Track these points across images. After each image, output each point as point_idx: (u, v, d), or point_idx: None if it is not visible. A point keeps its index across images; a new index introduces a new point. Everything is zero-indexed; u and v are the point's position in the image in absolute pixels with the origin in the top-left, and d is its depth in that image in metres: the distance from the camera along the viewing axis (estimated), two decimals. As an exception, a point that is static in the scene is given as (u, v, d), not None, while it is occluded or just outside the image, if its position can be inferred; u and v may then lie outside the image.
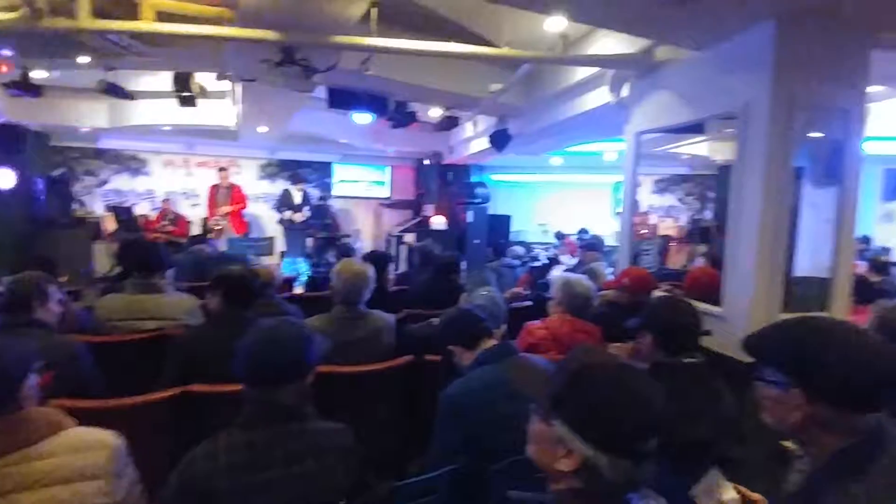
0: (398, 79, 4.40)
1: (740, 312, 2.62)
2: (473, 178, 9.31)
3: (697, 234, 7.90)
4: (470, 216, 9.10)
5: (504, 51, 3.30)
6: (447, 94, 4.77)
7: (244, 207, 8.28)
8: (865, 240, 7.37)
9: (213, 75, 5.19)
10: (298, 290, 5.15)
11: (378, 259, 3.58)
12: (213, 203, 8.08)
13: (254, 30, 3.19)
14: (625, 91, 3.65)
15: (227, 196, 8.13)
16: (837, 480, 1.01)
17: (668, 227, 9.03)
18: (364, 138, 7.95)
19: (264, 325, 1.49)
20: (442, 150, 8.67)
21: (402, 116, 5.46)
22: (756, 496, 1.34)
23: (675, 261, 7.83)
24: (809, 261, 2.82)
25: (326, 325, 2.45)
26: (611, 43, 3.48)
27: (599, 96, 4.00)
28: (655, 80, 3.33)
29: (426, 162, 9.21)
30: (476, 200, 9.12)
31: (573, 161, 9.05)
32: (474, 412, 1.68)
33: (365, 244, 9.93)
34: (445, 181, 8.98)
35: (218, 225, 7.63)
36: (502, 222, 9.51)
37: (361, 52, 3.45)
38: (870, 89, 4.12)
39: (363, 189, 10.24)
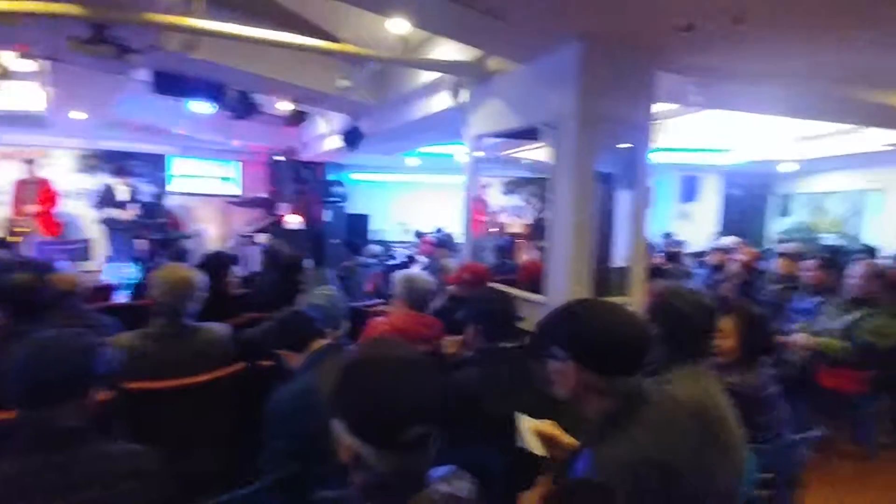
0: (234, 66, 4.09)
1: (559, 299, 2.93)
2: (331, 177, 9.08)
3: (538, 231, 8.68)
4: (328, 215, 8.88)
5: (341, 46, 3.26)
6: (291, 87, 4.58)
7: (54, 206, 7.04)
8: (668, 235, 8.81)
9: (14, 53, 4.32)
10: (124, 298, 4.55)
11: (215, 262, 3.31)
12: (18, 201, 6.76)
13: (56, 3, 2.74)
14: (464, 97, 3.86)
15: (35, 193, 6.85)
16: (610, 434, 1.21)
17: (515, 226, 9.78)
18: (205, 130, 7.26)
19: (37, 338, 1.30)
20: (296, 146, 8.29)
21: (243, 107, 5.11)
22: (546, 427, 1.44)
23: (522, 256, 8.56)
24: (619, 253, 3.28)
25: (142, 342, 2.16)
26: (451, 49, 3.65)
27: (442, 100, 4.18)
28: (490, 87, 3.58)
29: (278, 158, 8.73)
30: (334, 199, 8.92)
31: (429, 162, 9.33)
32: (299, 417, 1.64)
33: (212, 245, 9.12)
34: (301, 179, 8.61)
35: (23, 227, 6.41)
36: (361, 221, 9.45)
37: (185, 34, 3.14)
38: (665, 106, 4.94)
39: (208, 185, 9.36)
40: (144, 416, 1.93)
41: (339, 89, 4.26)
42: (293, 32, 3.25)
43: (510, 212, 10.30)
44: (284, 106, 5.98)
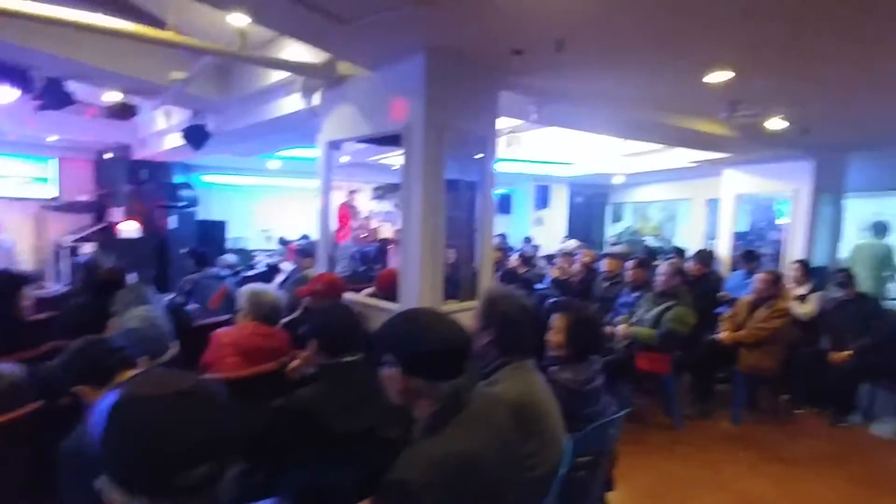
0: (41, 49, 3.47)
1: (413, 306, 2.98)
2: (177, 179, 8.16)
3: (406, 236, 8.74)
4: (173, 222, 7.98)
5: (170, 35, 2.93)
6: (114, 76, 4.01)
7: None
8: (528, 239, 9.50)
9: None
10: None
11: (2, 283, 2.74)
12: None
13: None
14: (316, 100, 3.73)
15: None
16: (430, 435, 1.26)
17: (387, 231, 9.77)
18: (8, 120, 6.07)
19: None
20: (131, 143, 7.32)
21: (54, 97, 4.36)
22: None
23: (394, 261, 8.57)
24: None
25: None
26: (300, 50, 3.50)
27: (294, 102, 4.00)
28: (342, 92, 3.50)
29: (108, 156, 7.63)
30: (180, 204, 8.04)
31: (291, 165, 8.89)
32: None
33: (23, 259, 7.65)
34: (137, 180, 7.61)
35: None
36: (216, 228, 8.66)
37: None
38: (515, 122, 5.31)
39: (13, 187, 7.84)
40: None
41: (172, 81, 3.84)
42: (116, 16, 2.84)
43: (382, 217, 10.26)
44: (111, 97, 5.25)
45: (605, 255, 5.37)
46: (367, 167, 8.71)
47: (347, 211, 9.39)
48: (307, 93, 3.74)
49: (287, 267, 6.98)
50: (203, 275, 5.19)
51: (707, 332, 4.18)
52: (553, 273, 5.63)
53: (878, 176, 6.45)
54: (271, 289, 2.76)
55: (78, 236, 7.72)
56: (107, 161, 7.76)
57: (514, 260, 6.02)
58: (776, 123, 4.26)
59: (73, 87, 4.40)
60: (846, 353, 4.01)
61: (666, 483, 3.14)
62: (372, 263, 7.04)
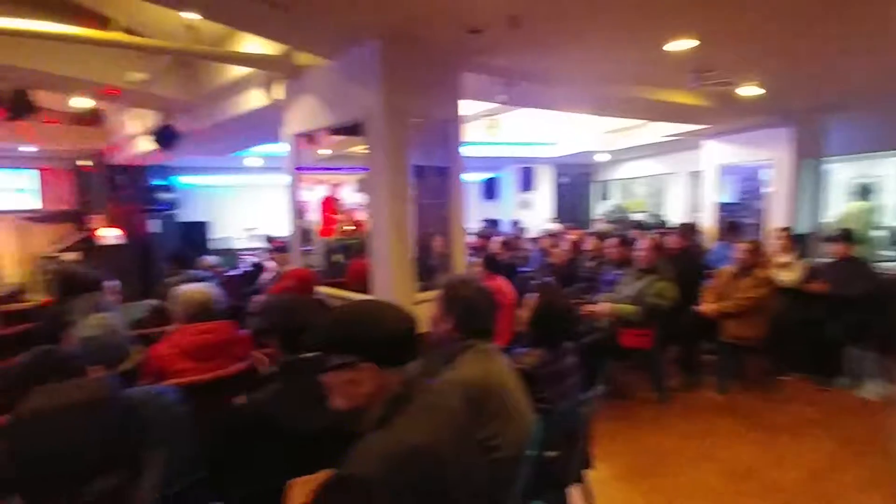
0: (4, 62, 3.40)
1: (386, 297, 2.94)
2: (155, 182, 8.06)
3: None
4: (155, 225, 7.90)
5: (118, 35, 2.86)
6: (73, 81, 3.92)
7: None
8: (515, 223, 9.46)
9: None
10: None
11: None
12: None
13: None
14: (278, 93, 3.66)
15: None
16: (382, 426, 1.20)
17: (372, 223, 9.69)
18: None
19: None
20: (103, 150, 7.21)
21: (17, 106, 4.27)
22: None
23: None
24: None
25: None
26: (257, 43, 3.42)
27: (256, 97, 3.92)
28: (303, 84, 3.43)
29: (82, 163, 7.52)
30: (160, 207, 7.96)
31: (273, 162, 8.79)
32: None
33: (7, 272, 7.58)
34: (116, 186, 7.52)
35: None
36: (198, 229, 8.58)
37: None
38: (487, 105, 5.23)
39: (-4, 199, 7.75)
40: None
41: (134, 83, 3.75)
42: (60, 20, 2.77)
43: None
44: (79, 103, 5.15)
45: (589, 234, 5.34)
46: (350, 160, 8.60)
47: (332, 204, 9.32)
48: (268, 87, 3.67)
49: (274, 265, 6.95)
50: (182, 277, 5.13)
51: (691, 304, 4.16)
52: (548, 256, 5.59)
53: (857, 139, 6.42)
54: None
55: (61, 247, 7.64)
56: (83, 169, 7.65)
57: (494, 244, 5.97)
58: (750, 90, 4.21)
59: (40, 95, 4.32)
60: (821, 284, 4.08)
61: (651, 456, 3.15)
62: (356, 256, 6.99)
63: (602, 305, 3.86)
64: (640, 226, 7.28)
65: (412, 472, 1.16)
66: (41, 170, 8.01)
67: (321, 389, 1.89)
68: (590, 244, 4.86)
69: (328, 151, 7.03)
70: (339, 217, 9.30)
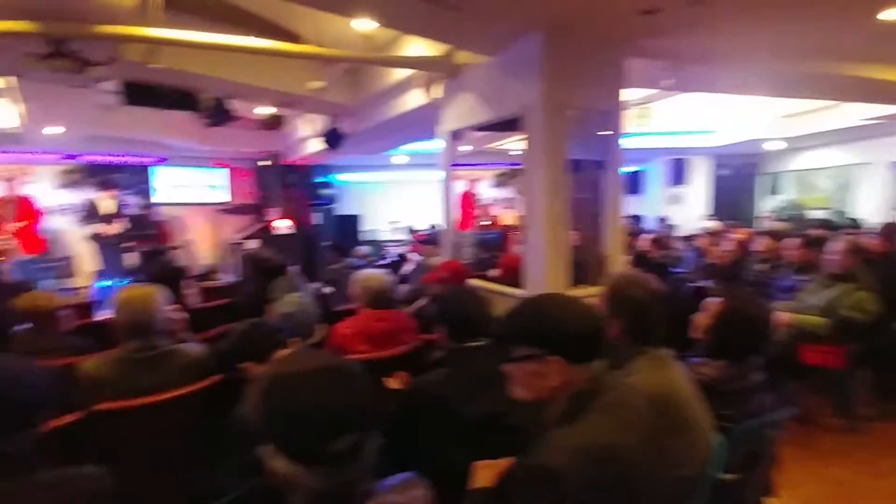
0: (200, 73, 4.04)
1: (538, 292, 2.92)
2: (318, 179, 9.05)
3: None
4: (318, 218, 8.86)
5: (304, 48, 3.23)
6: (262, 91, 4.54)
7: (36, 222, 7.02)
8: (662, 219, 8.78)
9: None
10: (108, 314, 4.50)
11: (166, 275, 3.04)
12: (-1, 219, 6.75)
13: (8, 21, 2.70)
14: (437, 92, 3.83)
15: (15, 210, 6.84)
16: (568, 421, 1.20)
17: (508, 218, 9.76)
18: (183, 138, 7.22)
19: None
20: (280, 151, 8.26)
21: (217, 114, 5.08)
22: None
23: (515, 248, 8.54)
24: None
25: (112, 368, 2.02)
26: (419, 46, 3.62)
27: (416, 97, 4.15)
28: (461, 82, 3.55)
29: (262, 163, 8.70)
30: (322, 201, 8.90)
31: (417, 159, 9.30)
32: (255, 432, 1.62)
33: (204, 255, 9.11)
34: (288, 183, 8.59)
35: (4, 245, 6.37)
36: (351, 222, 9.42)
37: (144, 44, 3.12)
38: (646, 91, 4.90)
39: (196, 194, 9.33)
40: (113, 438, 1.90)
41: (312, 91, 4.22)
42: (256, 35, 3.22)
43: (503, 204, 10.26)
44: (263, 110, 5.97)
45: (760, 234, 4.72)
46: (487, 155, 8.75)
47: (470, 199, 9.56)
48: (428, 87, 3.86)
49: (416, 256, 7.36)
50: (342, 265, 5.70)
51: (893, 320, 3.46)
52: (705, 256, 5.10)
53: None
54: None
55: (243, 234, 8.97)
56: (263, 168, 8.85)
57: (644, 242, 5.59)
58: None
59: (233, 104, 5.09)
60: None
61: (835, 492, 2.72)
62: (494, 251, 7.07)
63: (780, 315, 3.39)
64: (825, 225, 6.23)
65: (602, 469, 1.13)
66: (230, 168, 9.50)
67: (486, 378, 1.96)
68: (761, 245, 4.30)
69: (469, 147, 7.23)
70: (476, 212, 9.51)
